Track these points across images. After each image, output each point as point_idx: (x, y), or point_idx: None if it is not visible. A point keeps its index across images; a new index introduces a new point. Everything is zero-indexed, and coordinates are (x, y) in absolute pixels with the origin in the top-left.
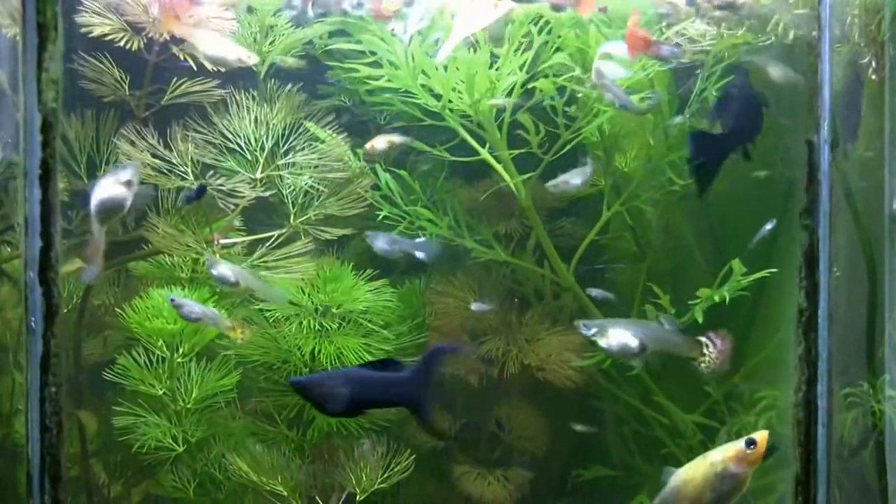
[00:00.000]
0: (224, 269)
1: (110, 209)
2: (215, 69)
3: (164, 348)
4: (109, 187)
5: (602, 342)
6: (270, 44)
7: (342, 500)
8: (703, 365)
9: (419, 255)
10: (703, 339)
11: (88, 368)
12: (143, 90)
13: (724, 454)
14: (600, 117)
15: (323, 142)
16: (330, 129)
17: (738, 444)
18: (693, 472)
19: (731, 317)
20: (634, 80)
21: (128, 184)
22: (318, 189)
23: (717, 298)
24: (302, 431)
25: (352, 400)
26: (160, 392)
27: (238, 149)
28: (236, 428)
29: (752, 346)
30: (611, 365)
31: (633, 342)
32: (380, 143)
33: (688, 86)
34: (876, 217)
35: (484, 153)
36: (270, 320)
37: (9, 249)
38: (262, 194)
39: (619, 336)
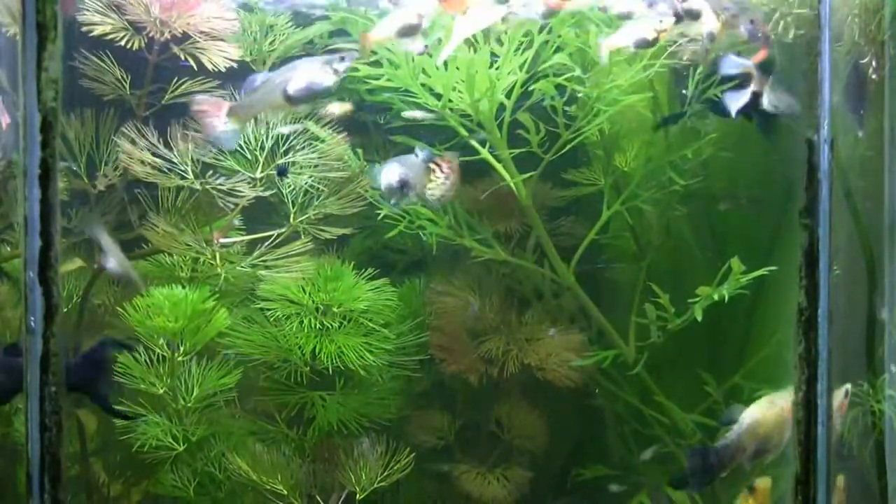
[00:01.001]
0: None
1: (313, 91)
2: (214, 69)
3: (165, 347)
4: (320, 71)
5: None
6: (270, 44)
7: (342, 499)
8: (428, 192)
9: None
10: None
11: None
12: (144, 89)
13: (784, 401)
14: (600, 117)
15: (323, 141)
16: (330, 128)
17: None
18: (763, 413)
19: (732, 315)
20: (636, 80)
21: (336, 72)
22: (317, 188)
23: (716, 297)
24: (302, 430)
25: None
26: (161, 391)
27: (238, 148)
28: (237, 427)
29: (752, 345)
30: (610, 365)
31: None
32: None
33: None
34: (876, 216)
35: (484, 153)
36: (271, 319)
37: (8, 248)
38: (261, 194)
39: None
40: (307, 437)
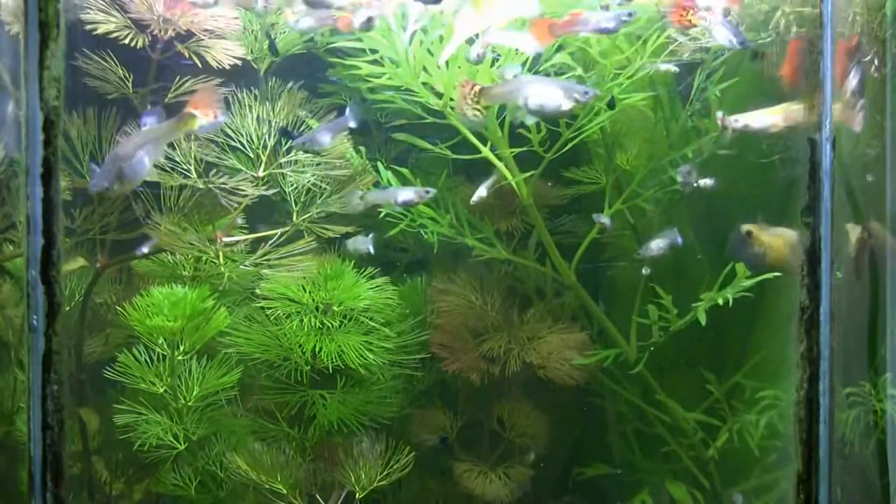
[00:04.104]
0: None
1: (545, 111)
2: (218, 66)
3: (165, 346)
4: (561, 96)
5: None
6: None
7: (342, 498)
8: None
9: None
10: None
11: (90, 366)
12: (147, 88)
13: None
14: (601, 116)
15: None
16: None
17: None
18: None
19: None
20: (636, 79)
21: (577, 101)
22: (320, 187)
23: (720, 301)
24: (303, 429)
25: None
26: (161, 390)
27: (240, 147)
28: (237, 426)
29: (754, 344)
30: (612, 363)
31: None
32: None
33: (688, 83)
34: (878, 215)
35: (486, 151)
36: (272, 318)
37: (11, 247)
38: (264, 192)
39: None
40: (308, 435)
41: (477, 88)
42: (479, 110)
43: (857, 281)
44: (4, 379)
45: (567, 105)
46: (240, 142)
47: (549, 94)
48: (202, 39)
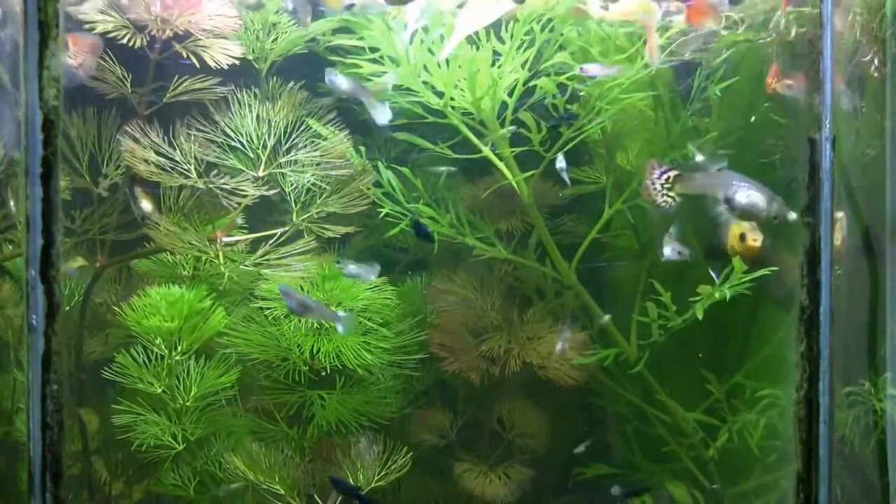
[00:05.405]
0: None
1: (750, 213)
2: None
3: (163, 346)
4: (764, 200)
5: None
6: (273, 41)
7: (340, 498)
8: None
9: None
10: None
11: (90, 366)
12: (146, 87)
13: None
14: (602, 115)
15: (325, 139)
16: (332, 126)
17: None
18: None
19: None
20: (637, 79)
21: (777, 219)
22: (320, 186)
23: (717, 296)
24: (302, 429)
25: None
26: (159, 390)
27: (240, 147)
28: (236, 426)
29: (754, 344)
30: (612, 363)
31: None
32: None
33: (688, 83)
34: (878, 215)
35: (486, 150)
36: (270, 318)
37: (10, 247)
38: (265, 193)
39: None
40: (306, 435)
41: (671, 175)
42: (671, 197)
43: (857, 280)
44: (4, 379)
45: (764, 206)
46: (240, 141)
47: (754, 197)
48: (200, 39)
